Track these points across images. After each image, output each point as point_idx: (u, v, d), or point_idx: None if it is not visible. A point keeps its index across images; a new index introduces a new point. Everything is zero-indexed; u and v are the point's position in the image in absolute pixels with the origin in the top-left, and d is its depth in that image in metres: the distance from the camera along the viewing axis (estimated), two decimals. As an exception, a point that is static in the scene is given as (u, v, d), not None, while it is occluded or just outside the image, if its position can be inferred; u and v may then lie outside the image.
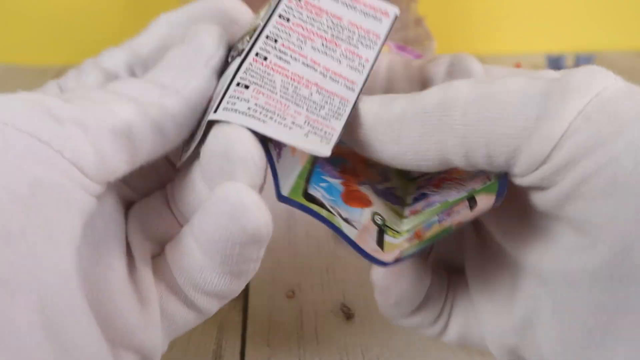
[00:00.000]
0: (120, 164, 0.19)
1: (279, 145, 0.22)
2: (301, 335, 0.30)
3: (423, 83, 0.24)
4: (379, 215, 0.23)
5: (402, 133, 0.20)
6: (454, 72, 0.23)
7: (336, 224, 0.22)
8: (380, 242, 0.23)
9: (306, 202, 0.23)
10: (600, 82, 0.19)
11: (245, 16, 0.24)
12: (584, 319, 0.19)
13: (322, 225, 0.40)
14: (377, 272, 0.23)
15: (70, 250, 0.18)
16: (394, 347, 0.29)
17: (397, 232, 0.23)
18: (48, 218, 0.17)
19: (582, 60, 0.52)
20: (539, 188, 0.19)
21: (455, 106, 0.19)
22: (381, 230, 0.23)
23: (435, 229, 0.22)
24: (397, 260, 0.21)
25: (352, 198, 0.23)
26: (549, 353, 0.20)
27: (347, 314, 0.32)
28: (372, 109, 0.21)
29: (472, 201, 0.21)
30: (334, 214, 0.23)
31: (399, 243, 0.22)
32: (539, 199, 0.20)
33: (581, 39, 0.78)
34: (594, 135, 0.18)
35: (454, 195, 0.23)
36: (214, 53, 0.22)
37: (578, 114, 0.18)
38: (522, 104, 0.18)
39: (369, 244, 0.22)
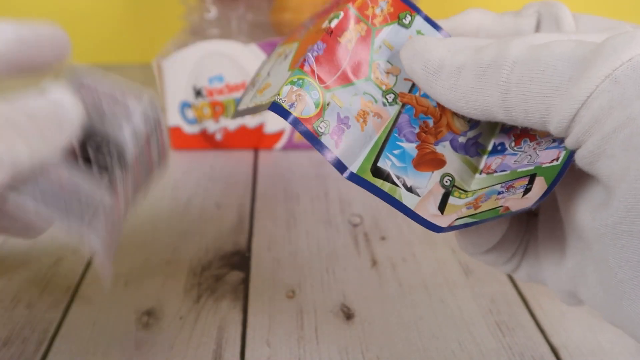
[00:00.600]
0: None
1: (344, 125, 0.24)
2: (301, 335, 0.30)
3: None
4: (449, 176, 0.25)
5: (459, 82, 0.22)
6: (543, 21, 0.25)
7: (397, 197, 0.24)
8: (442, 205, 0.25)
9: (371, 177, 0.25)
10: (636, 47, 0.19)
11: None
12: (614, 271, 0.20)
13: (322, 225, 0.40)
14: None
15: None
16: (394, 347, 0.29)
17: (465, 191, 0.25)
18: None
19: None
20: (576, 148, 0.21)
21: (504, 64, 0.21)
22: (447, 193, 0.25)
23: (490, 203, 0.24)
24: (452, 228, 0.24)
25: (424, 162, 0.25)
26: (597, 302, 0.22)
27: (347, 314, 0.32)
28: (439, 53, 0.23)
29: (530, 181, 0.24)
30: (398, 185, 0.25)
31: (460, 205, 0.25)
32: (577, 159, 0.21)
33: (581, 39, 0.79)
34: (618, 96, 0.19)
35: (524, 165, 0.25)
36: (73, 133, 0.23)
37: (606, 77, 0.19)
38: (561, 66, 0.20)
39: (429, 209, 0.24)
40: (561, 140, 0.24)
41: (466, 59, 0.22)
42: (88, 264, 0.36)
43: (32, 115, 0.22)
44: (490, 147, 0.26)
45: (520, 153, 0.25)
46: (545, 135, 0.25)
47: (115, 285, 0.34)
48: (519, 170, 0.25)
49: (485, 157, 0.26)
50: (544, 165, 0.24)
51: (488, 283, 0.34)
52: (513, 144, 0.26)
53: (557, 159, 0.24)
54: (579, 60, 0.20)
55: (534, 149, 0.25)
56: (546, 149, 0.25)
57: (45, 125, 0.23)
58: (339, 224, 0.40)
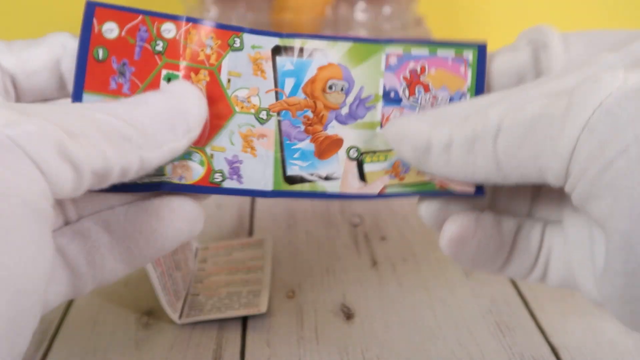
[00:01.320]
0: (75, 193, 0.20)
1: (236, 163, 0.26)
2: (301, 335, 0.30)
3: (519, 76, 0.26)
4: (353, 147, 0.26)
5: (451, 158, 0.23)
6: (539, 50, 0.25)
7: (321, 190, 0.26)
8: (362, 175, 0.26)
9: (288, 186, 0.26)
10: (605, 88, 0.20)
11: None
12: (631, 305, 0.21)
13: (322, 225, 0.40)
14: (443, 238, 0.25)
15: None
16: (394, 347, 0.29)
17: (374, 152, 0.26)
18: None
19: (582, 60, 0.52)
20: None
21: (488, 135, 0.22)
22: (359, 162, 0.26)
23: (415, 177, 0.25)
24: (386, 196, 0.25)
25: (324, 150, 0.26)
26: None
27: (347, 314, 0.32)
28: (423, 132, 0.23)
29: None
30: (314, 181, 0.26)
31: (379, 171, 0.26)
32: (573, 201, 0.21)
33: (581, 39, 0.78)
34: (597, 143, 0.20)
35: None
36: (196, 127, 0.24)
37: (582, 129, 0.20)
38: (541, 127, 0.21)
39: (353, 184, 0.26)
40: (461, 96, 0.26)
41: (451, 133, 0.22)
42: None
43: (137, 118, 0.22)
44: (380, 91, 0.26)
45: (417, 107, 0.26)
46: (440, 87, 0.26)
47: (116, 286, 0.34)
48: None
49: (379, 105, 0.26)
50: None
51: (488, 283, 0.34)
52: (407, 93, 0.26)
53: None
54: (555, 118, 0.20)
55: (432, 104, 0.26)
56: (442, 94, 0.26)
57: (159, 125, 0.23)
58: (339, 224, 0.40)
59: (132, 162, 0.22)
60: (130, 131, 0.22)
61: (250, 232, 0.39)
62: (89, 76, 0.25)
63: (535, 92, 0.22)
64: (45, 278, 0.19)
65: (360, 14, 0.55)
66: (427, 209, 0.25)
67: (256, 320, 0.31)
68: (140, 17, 0.25)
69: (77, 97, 0.24)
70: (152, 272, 0.29)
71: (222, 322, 0.31)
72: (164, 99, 0.24)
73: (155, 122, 0.23)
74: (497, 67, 0.26)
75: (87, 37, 0.25)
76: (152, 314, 0.32)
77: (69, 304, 0.33)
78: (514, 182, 0.22)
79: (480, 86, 0.26)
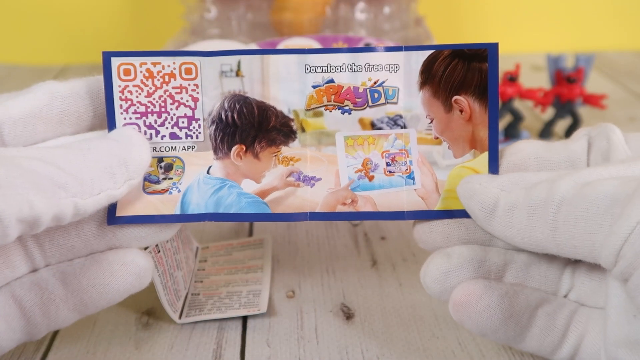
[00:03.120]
0: (3, 241, 0.21)
1: None
2: (301, 335, 0.30)
3: (571, 162, 0.26)
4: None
5: (513, 220, 0.23)
6: (594, 144, 0.26)
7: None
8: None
9: None
10: None
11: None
12: None
13: (322, 225, 0.40)
14: (450, 301, 0.25)
15: None
16: (394, 347, 0.29)
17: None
18: None
19: (581, 60, 0.52)
20: (624, 280, 0.21)
21: (552, 204, 0.22)
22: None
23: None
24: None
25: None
26: None
27: (347, 314, 0.32)
28: (493, 193, 0.24)
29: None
30: None
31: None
32: (627, 291, 0.21)
33: (581, 39, 0.78)
34: None
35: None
36: (136, 176, 0.25)
37: (637, 224, 0.20)
38: (604, 205, 0.21)
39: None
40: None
41: (518, 197, 0.23)
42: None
43: (77, 164, 0.23)
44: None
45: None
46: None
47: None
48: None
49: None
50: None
51: (488, 283, 0.34)
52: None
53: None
54: (621, 200, 0.21)
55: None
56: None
57: (97, 173, 0.24)
58: (339, 224, 0.40)
59: (65, 209, 0.22)
60: (65, 179, 0.22)
61: (251, 232, 0.39)
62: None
63: (605, 173, 0.23)
64: None
65: (360, 14, 0.55)
66: (432, 274, 0.26)
67: (256, 320, 0.31)
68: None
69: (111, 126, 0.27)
70: (155, 272, 0.29)
71: (222, 322, 0.31)
72: (105, 146, 0.25)
73: (94, 170, 0.24)
74: (551, 155, 0.27)
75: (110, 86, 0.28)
76: (152, 313, 0.32)
77: (69, 304, 0.33)
78: (564, 253, 0.22)
79: (493, 87, 0.27)
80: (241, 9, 0.55)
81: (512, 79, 0.51)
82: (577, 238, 0.21)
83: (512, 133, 0.52)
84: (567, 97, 0.51)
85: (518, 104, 0.57)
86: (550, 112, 0.55)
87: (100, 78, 0.28)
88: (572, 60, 0.53)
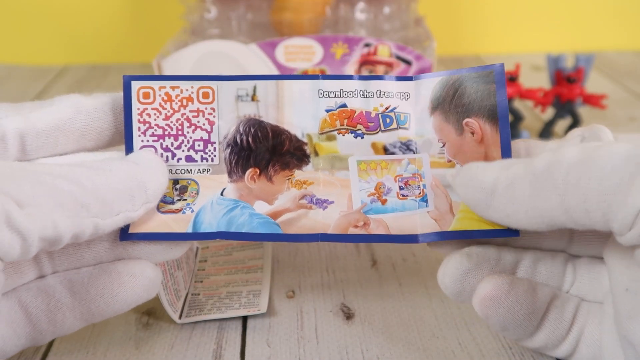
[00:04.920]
0: (25, 257, 0.21)
1: None
2: (301, 335, 0.30)
3: None
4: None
5: (515, 193, 0.23)
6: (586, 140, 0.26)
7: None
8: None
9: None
10: None
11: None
12: None
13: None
14: (477, 296, 0.25)
15: None
16: (394, 347, 0.29)
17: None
18: None
19: (581, 60, 0.52)
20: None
21: (559, 167, 0.21)
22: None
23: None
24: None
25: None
26: None
27: (347, 314, 0.32)
28: (493, 173, 0.24)
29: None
30: None
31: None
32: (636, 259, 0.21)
33: (581, 39, 0.79)
34: None
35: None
36: (154, 199, 0.26)
37: None
38: (620, 164, 0.20)
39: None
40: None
41: (517, 170, 0.23)
42: (88, 264, 0.36)
43: (100, 185, 0.23)
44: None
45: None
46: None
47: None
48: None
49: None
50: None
51: (488, 283, 0.34)
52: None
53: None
54: (637, 159, 0.20)
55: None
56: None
57: (118, 195, 0.24)
58: (339, 224, 0.40)
59: (85, 229, 0.23)
60: (88, 199, 0.23)
61: (250, 232, 0.39)
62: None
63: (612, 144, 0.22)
64: None
65: (360, 14, 0.55)
66: (452, 274, 0.26)
67: (256, 320, 0.31)
68: None
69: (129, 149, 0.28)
70: None
71: (222, 322, 0.31)
72: (126, 169, 0.25)
73: (115, 192, 0.24)
74: (539, 152, 0.26)
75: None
76: (152, 313, 0.32)
77: (69, 304, 0.33)
78: (574, 220, 0.21)
79: (503, 109, 0.27)
80: (241, 9, 0.55)
81: (512, 79, 0.51)
82: (590, 200, 0.20)
83: (512, 133, 0.52)
84: (567, 97, 0.51)
85: (518, 104, 0.57)
86: (550, 112, 0.55)
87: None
88: (572, 60, 0.53)
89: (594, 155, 0.21)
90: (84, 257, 0.26)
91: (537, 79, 0.64)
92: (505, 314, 0.25)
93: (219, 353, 0.29)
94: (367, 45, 0.50)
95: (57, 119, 0.26)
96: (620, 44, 0.79)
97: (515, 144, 0.27)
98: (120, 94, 0.28)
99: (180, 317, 0.31)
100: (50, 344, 0.30)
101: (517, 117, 0.52)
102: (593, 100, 0.51)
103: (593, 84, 0.63)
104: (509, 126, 0.27)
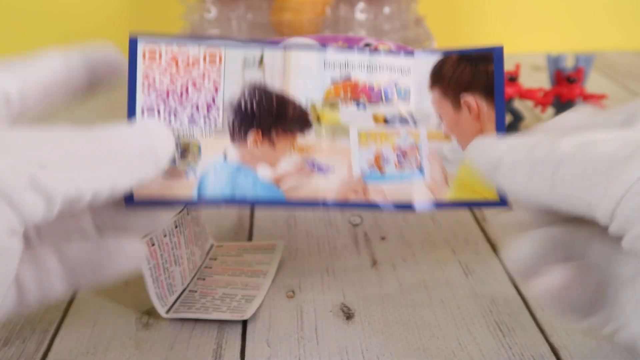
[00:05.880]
0: (47, 220, 0.22)
1: None
2: (301, 335, 0.30)
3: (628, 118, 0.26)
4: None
5: (515, 175, 0.24)
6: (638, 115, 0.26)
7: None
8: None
9: None
10: None
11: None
12: None
13: (322, 225, 0.40)
14: (543, 285, 0.25)
15: None
16: (394, 347, 0.29)
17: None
18: None
19: (581, 60, 0.52)
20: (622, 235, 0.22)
21: (551, 162, 0.23)
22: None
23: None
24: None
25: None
26: None
27: (347, 314, 0.32)
28: (499, 151, 0.25)
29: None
30: None
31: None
32: (624, 245, 0.22)
33: (581, 39, 0.78)
34: None
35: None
36: (163, 164, 0.26)
37: (638, 179, 0.20)
38: (601, 166, 0.21)
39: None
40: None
41: (520, 155, 0.24)
42: (88, 264, 0.36)
43: (115, 147, 0.24)
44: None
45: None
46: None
47: (115, 286, 0.34)
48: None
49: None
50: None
51: (488, 283, 0.34)
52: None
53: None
54: (619, 161, 0.21)
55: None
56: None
57: (132, 157, 0.25)
58: (339, 224, 0.40)
59: (103, 189, 0.23)
60: (105, 161, 0.23)
61: (251, 232, 0.39)
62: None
63: (610, 136, 0.23)
64: None
65: (360, 14, 0.55)
66: (523, 256, 0.26)
67: (256, 320, 0.31)
68: None
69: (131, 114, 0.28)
70: (145, 264, 0.29)
71: (222, 322, 0.31)
72: (137, 133, 0.26)
73: (128, 154, 0.25)
74: (585, 123, 0.27)
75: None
76: (152, 313, 0.31)
77: (69, 304, 0.33)
78: (561, 209, 0.23)
79: (499, 89, 0.29)
80: (241, 9, 0.55)
81: (512, 79, 0.51)
82: (574, 197, 0.22)
83: (512, 133, 0.52)
84: (567, 97, 0.51)
85: (518, 104, 0.57)
86: (550, 112, 0.55)
87: (97, 51, 0.28)
88: (572, 61, 0.53)
89: (582, 154, 0.22)
90: (69, 232, 0.27)
91: (537, 79, 0.64)
92: (566, 303, 0.25)
93: (219, 353, 0.29)
94: (367, 45, 0.50)
95: (53, 75, 0.27)
96: (620, 44, 0.79)
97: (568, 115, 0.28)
98: (95, 49, 0.28)
99: (168, 311, 0.31)
100: (50, 344, 0.30)
101: (517, 117, 0.52)
102: (593, 100, 0.51)
103: (593, 84, 0.63)
104: (504, 104, 0.29)
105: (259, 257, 0.36)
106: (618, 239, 0.25)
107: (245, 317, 0.30)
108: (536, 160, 0.24)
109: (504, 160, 0.25)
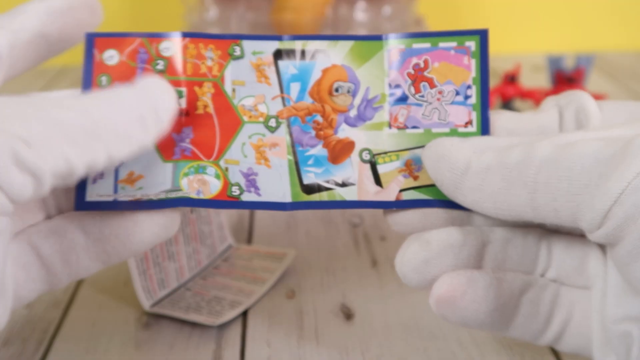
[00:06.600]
0: (37, 196, 0.21)
1: (252, 175, 0.26)
2: (301, 335, 0.30)
3: (542, 132, 0.25)
4: (365, 150, 0.26)
5: (485, 182, 0.22)
6: (565, 113, 0.25)
7: (339, 198, 0.26)
8: (377, 178, 0.26)
9: (307, 196, 0.26)
10: None
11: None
12: None
13: (322, 225, 0.40)
14: (432, 297, 0.24)
15: None
16: (394, 347, 0.29)
17: (385, 152, 0.26)
18: None
19: (582, 60, 0.52)
20: (610, 245, 0.20)
21: (531, 165, 0.21)
22: (373, 164, 0.26)
23: (427, 177, 0.24)
24: (403, 203, 0.25)
25: (337, 154, 0.26)
26: None
27: (347, 314, 0.32)
28: (465, 155, 0.23)
29: None
30: (332, 188, 0.26)
31: (392, 171, 0.26)
32: (612, 258, 0.21)
33: (581, 39, 0.78)
34: None
35: (436, 123, 0.26)
36: (165, 121, 0.24)
37: (638, 174, 0.19)
38: (589, 164, 0.20)
39: (369, 189, 0.26)
40: (466, 96, 0.26)
41: (492, 159, 0.22)
42: (88, 264, 0.36)
43: (108, 116, 0.23)
44: (387, 91, 0.26)
45: (424, 104, 0.26)
46: (445, 80, 0.26)
47: (115, 285, 0.34)
48: (434, 131, 0.26)
49: (386, 105, 0.26)
50: (459, 130, 0.25)
51: (488, 283, 0.34)
52: (413, 90, 0.26)
53: (470, 123, 0.25)
54: (608, 158, 0.20)
55: (438, 99, 0.26)
56: (452, 103, 0.26)
57: (129, 121, 0.23)
58: (339, 224, 0.40)
59: (98, 160, 0.22)
60: (98, 129, 0.22)
61: (250, 232, 0.39)
62: None
63: (585, 136, 0.22)
64: None
65: (360, 14, 0.55)
66: (410, 263, 0.24)
67: (256, 320, 0.31)
68: (137, 40, 0.26)
69: None
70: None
71: (222, 322, 0.31)
72: (135, 93, 0.24)
73: (126, 119, 0.23)
74: (521, 125, 0.25)
75: (90, 67, 0.26)
76: (152, 313, 0.32)
77: (69, 303, 0.33)
78: (542, 217, 0.21)
79: (484, 76, 0.25)
80: (241, 9, 0.55)
81: (512, 79, 0.51)
82: (559, 200, 0.20)
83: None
84: (567, 97, 0.51)
85: (518, 104, 0.57)
86: (550, 112, 0.55)
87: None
88: (573, 61, 0.53)
89: (564, 154, 0.21)
90: None
91: (537, 79, 0.64)
92: (462, 314, 0.23)
93: (219, 353, 0.29)
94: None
95: (39, 25, 0.25)
96: (620, 44, 0.79)
97: (492, 116, 0.26)
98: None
99: (153, 306, 0.31)
100: (50, 344, 0.30)
101: (517, 117, 0.52)
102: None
103: (593, 84, 0.63)
104: (488, 94, 0.26)
105: (266, 264, 0.35)
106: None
107: (216, 323, 0.30)
108: (511, 165, 0.22)
109: (473, 165, 0.22)
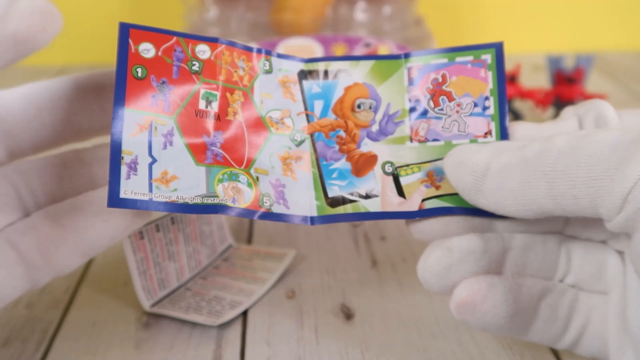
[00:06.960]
0: None
1: (280, 187, 0.26)
2: (301, 335, 0.30)
3: None
4: (388, 162, 0.27)
5: (505, 180, 0.22)
6: (584, 122, 0.25)
7: (363, 210, 0.26)
8: (400, 190, 0.26)
9: (332, 210, 0.26)
10: None
11: None
12: None
13: (322, 225, 0.40)
14: (453, 302, 0.24)
15: None
16: (394, 347, 0.29)
17: (407, 165, 0.26)
18: None
19: (582, 60, 0.52)
20: (629, 236, 0.20)
21: (549, 155, 0.21)
22: (396, 177, 0.26)
23: (449, 187, 0.25)
24: (426, 212, 0.25)
25: (360, 167, 0.27)
26: None
27: (347, 314, 0.32)
28: (484, 157, 0.23)
29: None
30: (356, 201, 0.26)
31: (414, 182, 0.26)
32: (630, 252, 0.21)
33: (581, 39, 0.78)
34: None
35: (456, 135, 0.26)
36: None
37: None
38: (608, 150, 0.20)
39: (392, 201, 0.26)
40: (484, 107, 0.26)
41: (511, 157, 0.23)
42: (88, 264, 0.36)
43: None
44: (407, 106, 0.27)
45: (444, 117, 0.27)
46: (463, 93, 0.26)
47: (115, 285, 0.34)
48: (454, 142, 0.26)
49: (407, 119, 0.27)
50: (479, 140, 0.26)
51: (488, 283, 0.34)
52: (432, 104, 0.27)
53: (489, 133, 0.26)
54: (627, 145, 0.20)
55: (457, 111, 0.27)
56: (471, 114, 0.26)
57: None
58: (339, 224, 0.40)
59: None
60: None
61: (250, 232, 0.39)
62: (129, 93, 0.25)
63: (602, 130, 0.22)
64: None
65: (360, 14, 0.55)
66: (432, 269, 0.24)
67: (256, 320, 0.31)
68: (174, 39, 0.26)
69: (117, 114, 0.24)
70: (131, 256, 0.29)
71: (222, 322, 0.31)
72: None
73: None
74: (540, 134, 0.25)
75: (125, 57, 0.25)
76: (152, 313, 0.31)
77: (69, 303, 0.33)
78: (562, 207, 0.21)
79: (502, 87, 0.26)
80: (241, 9, 0.55)
81: (512, 79, 0.51)
82: (578, 186, 0.21)
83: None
84: (567, 98, 0.51)
85: (518, 104, 0.57)
86: (550, 112, 0.55)
87: None
88: (572, 61, 0.53)
89: (583, 142, 0.21)
90: (68, 194, 0.26)
91: (537, 79, 0.64)
92: (483, 319, 0.23)
93: (219, 353, 0.29)
94: (367, 45, 0.50)
95: (13, 24, 0.24)
96: (620, 44, 0.79)
97: (512, 127, 0.26)
98: None
99: (153, 306, 0.31)
100: (50, 344, 0.30)
101: (517, 118, 0.52)
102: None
103: (593, 84, 0.63)
104: (506, 104, 0.26)
105: (266, 264, 0.35)
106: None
107: (216, 323, 0.30)
108: (529, 157, 0.22)
109: (492, 165, 0.23)
